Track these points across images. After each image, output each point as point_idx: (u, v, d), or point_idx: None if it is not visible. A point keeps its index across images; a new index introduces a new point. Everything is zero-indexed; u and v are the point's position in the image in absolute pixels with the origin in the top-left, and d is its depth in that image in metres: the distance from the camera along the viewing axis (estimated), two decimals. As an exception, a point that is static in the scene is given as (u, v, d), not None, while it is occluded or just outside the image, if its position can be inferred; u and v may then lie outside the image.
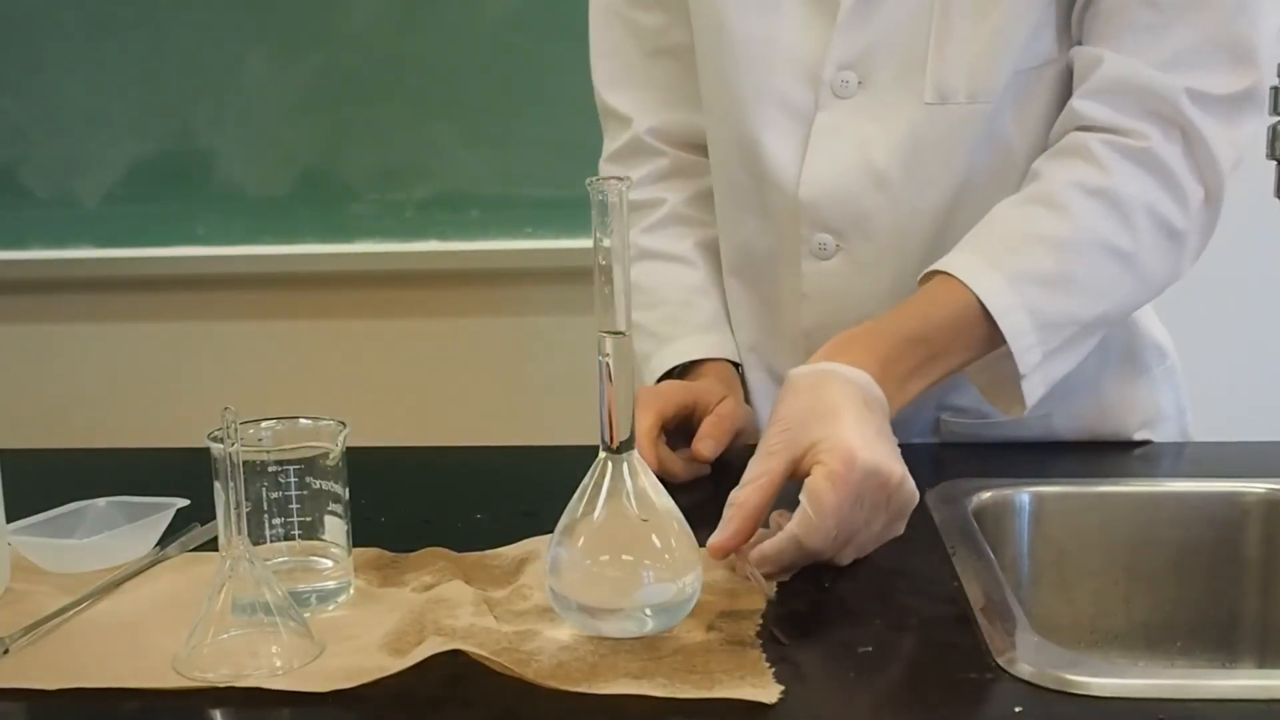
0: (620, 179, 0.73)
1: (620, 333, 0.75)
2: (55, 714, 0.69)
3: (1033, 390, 0.98)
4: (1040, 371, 0.97)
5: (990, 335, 0.95)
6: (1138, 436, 1.15)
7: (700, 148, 1.18)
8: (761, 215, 1.11)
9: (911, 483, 0.84)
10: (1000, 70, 1.01)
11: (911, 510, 0.85)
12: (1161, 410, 1.17)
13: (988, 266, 0.96)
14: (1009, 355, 0.96)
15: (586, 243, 0.75)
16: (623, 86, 1.21)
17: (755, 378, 1.17)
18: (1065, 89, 1.04)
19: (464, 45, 2.03)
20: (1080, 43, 1.02)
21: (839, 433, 0.82)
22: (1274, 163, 0.88)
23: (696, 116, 1.17)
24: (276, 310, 2.20)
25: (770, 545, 0.81)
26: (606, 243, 0.74)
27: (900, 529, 0.86)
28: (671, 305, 1.17)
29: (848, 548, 0.83)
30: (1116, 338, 1.12)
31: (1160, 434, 1.16)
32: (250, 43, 2.06)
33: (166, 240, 2.15)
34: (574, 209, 1.97)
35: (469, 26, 2.03)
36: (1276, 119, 0.85)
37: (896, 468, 0.83)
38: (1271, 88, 0.85)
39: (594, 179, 0.73)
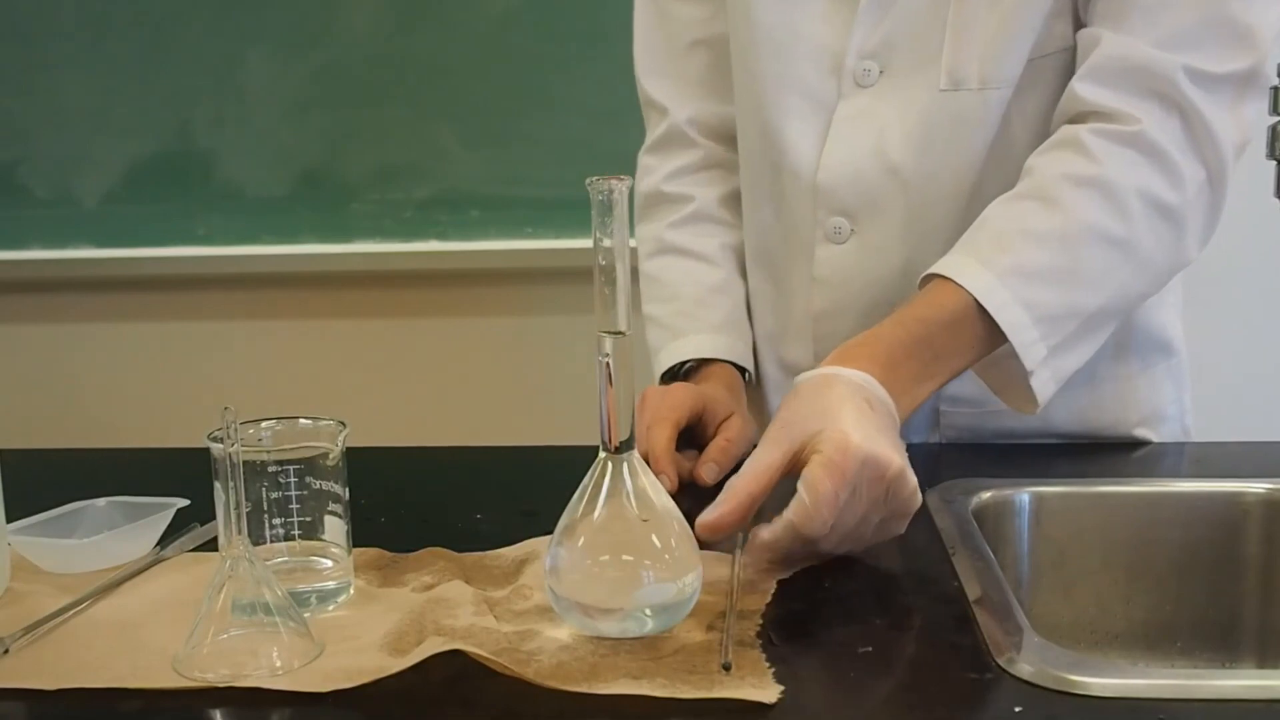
0: (620, 179, 0.73)
1: (620, 333, 0.75)
2: (55, 714, 0.69)
3: (1043, 386, 0.97)
4: (1048, 367, 0.96)
5: (990, 334, 0.95)
6: (1136, 433, 1.15)
7: (735, 141, 1.20)
8: (778, 201, 1.13)
9: (913, 481, 0.84)
10: (1012, 57, 1.02)
11: (913, 511, 0.85)
12: (1160, 409, 1.16)
13: (980, 266, 0.95)
14: (1015, 354, 0.95)
15: (586, 243, 0.74)
16: (660, 76, 1.23)
17: (768, 370, 1.19)
18: (1057, 89, 1.04)
19: (464, 45, 2.03)
20: (1084, 25, 1.03)
21: (837, 425, 0.82)
22: (1274, 162, 0.88)
23: (732, 108, 1.19)
24: (276, 310, 2.20)
25: (768, 532, 0.81)
26: (606, 243, 0.74)
27: (900, 528, 0.86)
28: (687, 301, 1.17)
29: (845, 541, 0.84)
30: (1114, 331, 1.12)
31: (1159, 433, 1.16)
32: (250, 43, 2.06)
33: (166, 240, 2.15)
34: (574, 209, 1.96)
35: (469, 26, 2.03)
36: (1277, 119, 0.85)
37: (895, 460, 0.83)
38: (1271, 88, 0.85)
39: (594, 179, 0.73)
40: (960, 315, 0.95)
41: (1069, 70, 1.03)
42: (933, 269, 0.98)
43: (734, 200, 1.21)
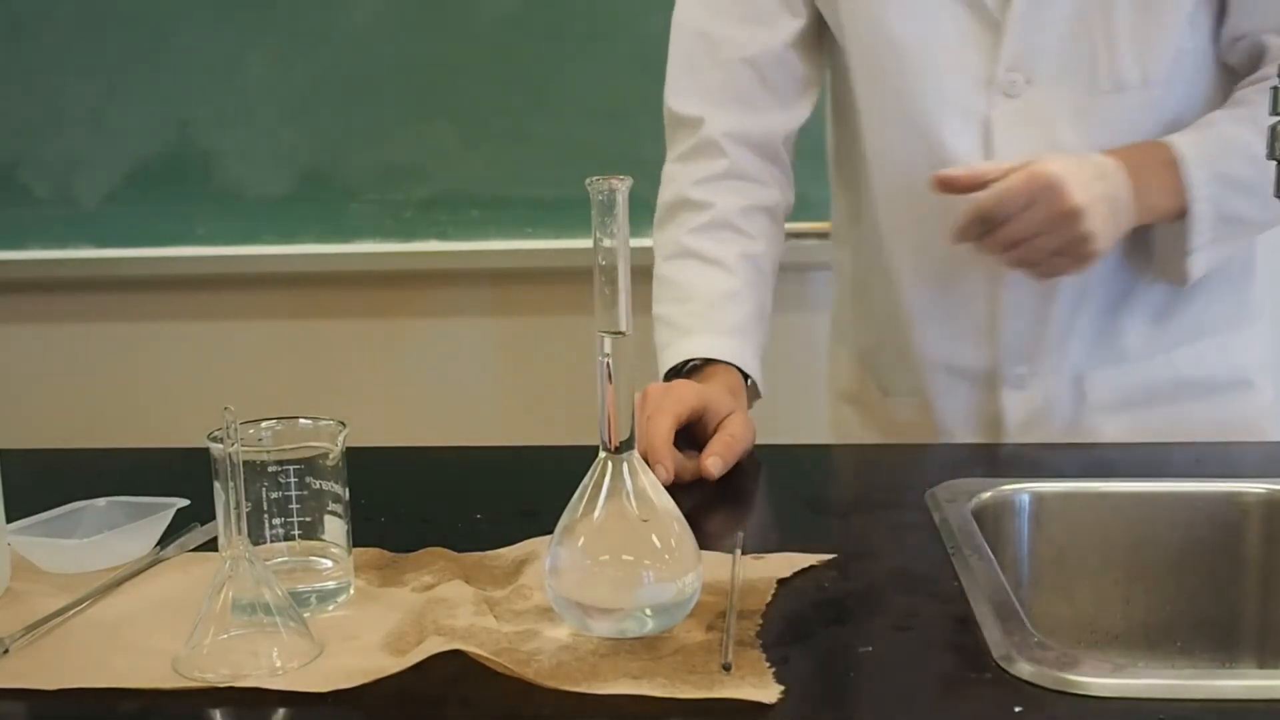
0: (620, 179, 0.73)
1: (620, 333, 0.75)
2: (55, 714, 0.69)
3: (1195, 265, 1.13)
4: (1205, 252, 1.13)
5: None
6: (1253, 378, 1.23)
7: (770, 155, 1.24)
8: (943, 211, 1.14)
9: (1088, 227, 1.02)
10: (1167, 53, 1.11)
11: (1087, 257, 1.03)
12: (1268, 359, 1.24)
13: (1201, 160, 1.10)
14: (1185, 233, 1.11)
15: (586, 243, 0.75)
16: (695, 94, 1.25)
17: (935, 376, 1.23)
18: (1199, 73, 1.15)
19: (464, 45, 2.03)
20: (1228, 22, 1.13)
21: (1053, 158, 1.03)
22: (1274, 162, 0.88)
23: (770, 121, 1.23)
24: (276, 310, 2.20)
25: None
26: (607, 243, 0.74)
27: (1068, 269, 1.06)
28: (700, 303, 1.18)
29: (1016, 246, 1.03)
30: (1236, 284, 1.22)
31: (1273, 381, 1.24)
32: (250, 43, 2.06)
33: (166, 240, 2.15)
34: (574, 209, 1.96)
35: (469, 26, 2.03)
36: (1277, 119, 0.85)
37: (1079, 197, 1.01)
38: (1271, 88, 0.85)
39: (594, 179, 0.73)
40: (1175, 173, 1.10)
41: (1202, 66, 1.15)
42: (1169, 139, 1.11)
43: (754, 214, 1.23)
